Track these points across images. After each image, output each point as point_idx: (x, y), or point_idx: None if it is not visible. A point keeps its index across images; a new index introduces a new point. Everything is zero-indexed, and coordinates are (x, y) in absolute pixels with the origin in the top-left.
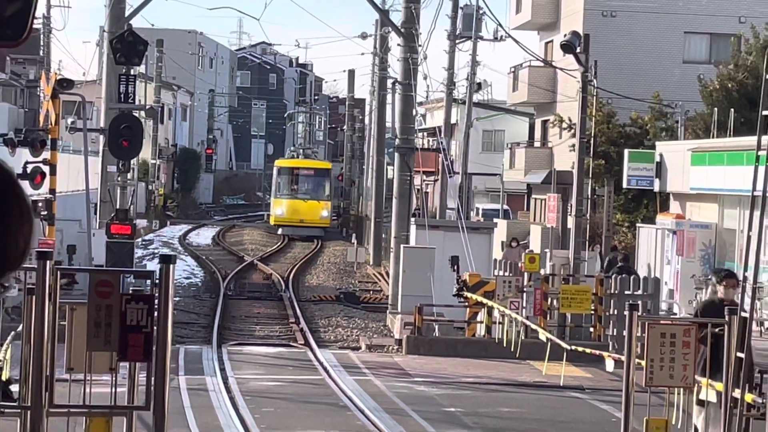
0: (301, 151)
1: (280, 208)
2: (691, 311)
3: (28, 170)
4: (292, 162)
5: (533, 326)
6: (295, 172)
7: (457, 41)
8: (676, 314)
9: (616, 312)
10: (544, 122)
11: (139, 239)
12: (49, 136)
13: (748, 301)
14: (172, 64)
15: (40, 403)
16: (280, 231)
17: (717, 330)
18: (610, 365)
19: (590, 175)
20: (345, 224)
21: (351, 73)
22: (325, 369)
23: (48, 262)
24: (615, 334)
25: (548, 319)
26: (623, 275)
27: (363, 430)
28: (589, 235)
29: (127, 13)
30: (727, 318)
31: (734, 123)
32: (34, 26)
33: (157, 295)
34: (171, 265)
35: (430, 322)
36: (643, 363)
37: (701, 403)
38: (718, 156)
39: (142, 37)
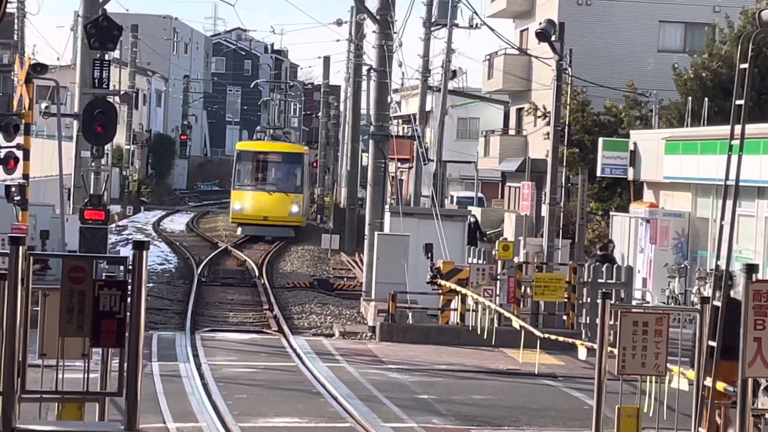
0: (271, 131)
1: (239, 202)
2: (664, 300)
3: (2, 155)
4: (256, 145)
5: (506, 314)
6: (258, 157)
7: (432, 28)
8: (649, 303)
9: (589, 300)
10: (519, 110)
11: (113, 225)
12: (23, 121)
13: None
14: (146, 49)
15: (12, 389)
16: (240, 231)
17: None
18: (582, 353)
19: (564, 164)
20: (319, 212)
21: (326, 60)
22: (298, 356)
23: (21, 247)
24: (588, 322)
25: (522, 306)
26: (606, 264)
27: (336, 417)
28: (563, 223)
29: None
30: (699, 307)
31: (708, 112)
32: (8, 10)
33: (130, 281)
34: (145, 252)
35: (404, 310)
36: (616, 351)
37: None
38: (692, 145)
39: (117, 22)
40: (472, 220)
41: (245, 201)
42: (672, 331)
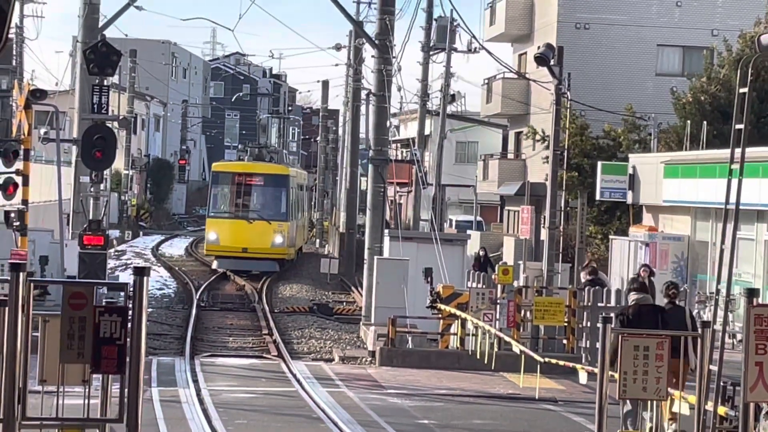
0: (255, 151)
1: (214, 231)
2: None
3: (1, 181)
4: (234, 166)
5: (506, 338)
6: (237, 179)
7: (431, 53)
8: None
9: (589, 324)
10: (518, 134)
11: (112, 250)
12: (22, 147)
13: (720, 314)
14: (145, 74)
15: (12, 416)
16: (215, 265)
17: None
18: (583, 377)
19: (563, 187)
20: (319, 236)
21: (325, 84)
22: (298, 381)
23: (21, 273)
24: (588, 346)
25: (521, 331)
26: (596, 287)
27: None
28: (562, 247)
29: (100, 24)
30: (700, 331)
31: (707, 136)
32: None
33: (130, 307)
34: (145, 277)
35: (404, 334)
36: (617, 375)
37: None
38: (691, 169)
39: (116, 47)
40: (482, 253)
41: (221, 230)
42: None
